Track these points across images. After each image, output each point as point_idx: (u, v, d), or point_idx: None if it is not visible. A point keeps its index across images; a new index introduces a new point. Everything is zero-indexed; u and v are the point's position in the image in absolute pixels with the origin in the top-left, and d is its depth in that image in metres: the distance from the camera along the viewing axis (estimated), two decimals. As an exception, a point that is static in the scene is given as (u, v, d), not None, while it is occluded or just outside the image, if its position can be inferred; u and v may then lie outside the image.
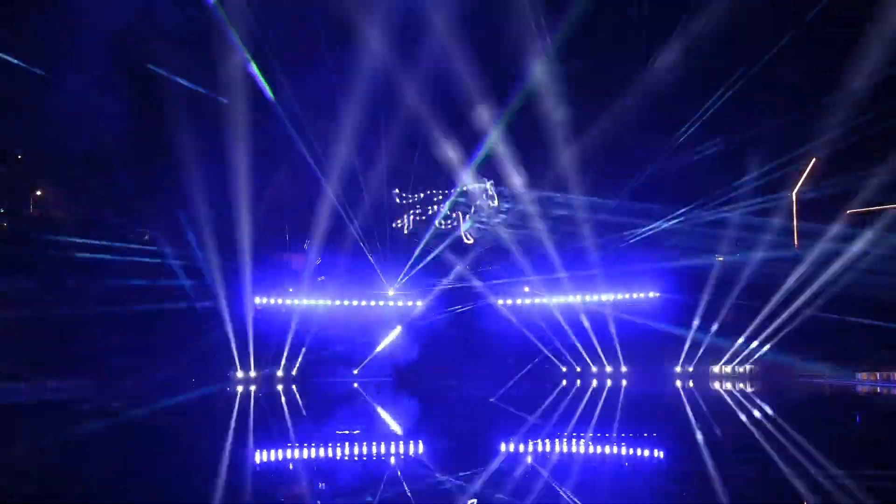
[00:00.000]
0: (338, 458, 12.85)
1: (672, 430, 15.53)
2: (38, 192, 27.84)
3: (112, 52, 23.67)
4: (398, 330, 29.94)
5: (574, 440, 14.16)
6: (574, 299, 29.51)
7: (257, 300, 28.45)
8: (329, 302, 29.81)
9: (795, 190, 28.92)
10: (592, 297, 29.45)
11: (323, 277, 30.03)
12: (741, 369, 28.36)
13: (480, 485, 10.21)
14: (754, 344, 27.43)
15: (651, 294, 28.83)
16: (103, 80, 23.75)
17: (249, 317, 27.88)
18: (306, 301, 29.39)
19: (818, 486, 9.64)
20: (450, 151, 28.30)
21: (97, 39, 23.01)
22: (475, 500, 9.51)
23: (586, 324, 28.91)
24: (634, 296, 29.10)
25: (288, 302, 29.16)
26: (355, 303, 30.17)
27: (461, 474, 10.98)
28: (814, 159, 28.42)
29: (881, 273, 25.19)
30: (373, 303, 30.37)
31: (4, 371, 23.44)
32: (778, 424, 15.69)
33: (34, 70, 23.41)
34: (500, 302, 30.36)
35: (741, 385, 26.15)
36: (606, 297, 29.31)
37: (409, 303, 30.67)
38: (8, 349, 23.80)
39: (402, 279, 30.50)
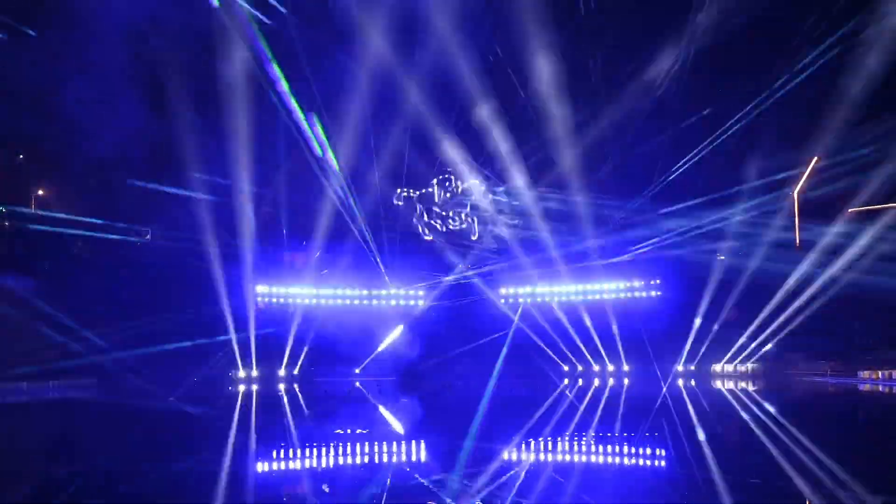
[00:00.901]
0: (343, 459, 12.86)
1: (679, 433, 15.51)
2: (40, 192, 27.79)
3: (122, 47, 23.68)
4: (400, 329, 29.91)
5: (574, 442, 14.16)
6: (576, 297, 29.53)
7: (259, 300, 28.45)
8: (331, 301, 29.73)
9: (797, 189, 28.90)
10: (594, 296, 29.46)
11: (326, 271, 29.97)
12: (743, 368, 28.31)
13: (481, 486, 10.21)
14: (754, 344, 27.39)
15: (653, 293, 28.82)
16: (114, 74, 23.76)
17: (251, 315, 27.91)
18: (308, 300, 29.32)
19: (824, 485, 9.65)
20: (454, 148, 28.40)
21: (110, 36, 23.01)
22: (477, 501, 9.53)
23: (588, 322, 28.92)
24: (636, 294, 29.08)
25: (290, 300, 29.10)
26: (356, 301, 30.10)
27: (462, 475, 10.97)
28: (815, 158, 28.37)
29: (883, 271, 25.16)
30: (374, 302, 30.29)
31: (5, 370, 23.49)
32: (782, 424, 15.67)
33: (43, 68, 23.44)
34: (503, 301, 30.39)
35: (743, 384, 26.11)
36: (608, 294, 29.32)
37: (412, 301, 30.59)
38: (8, 348, 23.83)
39: (403, 276, 30.42)
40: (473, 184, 30.93)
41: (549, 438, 14.43)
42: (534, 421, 17.00)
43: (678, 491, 10.50)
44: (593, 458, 12.74)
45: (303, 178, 28.22)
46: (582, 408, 19.82)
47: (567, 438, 14.40)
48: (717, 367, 28.46)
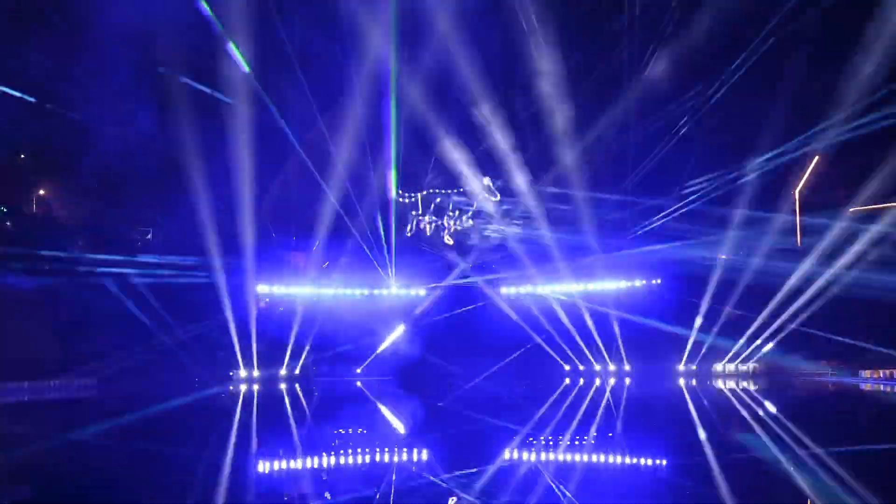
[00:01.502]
0: (343, 459, 12.88)
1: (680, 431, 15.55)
2: (41, 192, 27.80)
3: (122, 56, 23.71)
4: (401, 328, 29.87)
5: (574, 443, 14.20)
6: (574, 291, 29.45)
7: (260, 296, 28.45)
8: (332, 291, 29.65)
9: (798, 188, 28.88)
10: (594, 288, 29.39)
11: (327, 263, 29.97)
12: (744, 368, 28.25)
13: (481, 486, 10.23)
14: (757, 342, 27.32)
15: (654, 281, 28.78)
16: (117, 83, 23.82)
17: (253, 314, 27.89)
18: (309, 291, 29.27)
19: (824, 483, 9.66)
20: (453, 149, 28.36)
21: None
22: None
23: (588, 319, 28.86)
24: (637, 283, 29.02)
25: (291, 293, 29.05)
26: (357, 292, 30.00)
27: (463, 475, 11.00)
28: (816, 157, 28.35)
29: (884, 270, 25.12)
30: (375, 291, 30.21)
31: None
32: (783, 423, 15.69)
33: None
34: (503, 299, 30.37)
35: (744, 384, 26.10)
36: (607, 287, 29.26)
37: (413, 292, 30.46)
38: (10, 348, 23.86)
39: (404, 276, 30.38)
40: (474, 182, 30.88)
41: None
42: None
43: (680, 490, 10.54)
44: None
45: (303, 177, 28.21)
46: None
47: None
48: (718, 367, 28.38)
